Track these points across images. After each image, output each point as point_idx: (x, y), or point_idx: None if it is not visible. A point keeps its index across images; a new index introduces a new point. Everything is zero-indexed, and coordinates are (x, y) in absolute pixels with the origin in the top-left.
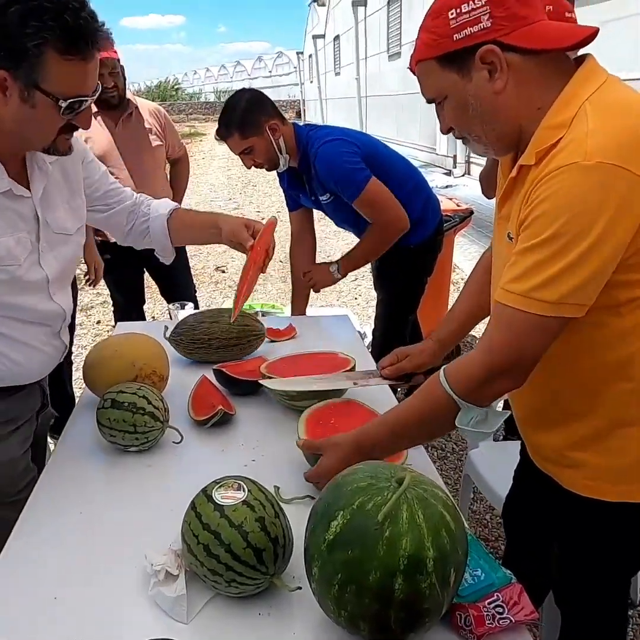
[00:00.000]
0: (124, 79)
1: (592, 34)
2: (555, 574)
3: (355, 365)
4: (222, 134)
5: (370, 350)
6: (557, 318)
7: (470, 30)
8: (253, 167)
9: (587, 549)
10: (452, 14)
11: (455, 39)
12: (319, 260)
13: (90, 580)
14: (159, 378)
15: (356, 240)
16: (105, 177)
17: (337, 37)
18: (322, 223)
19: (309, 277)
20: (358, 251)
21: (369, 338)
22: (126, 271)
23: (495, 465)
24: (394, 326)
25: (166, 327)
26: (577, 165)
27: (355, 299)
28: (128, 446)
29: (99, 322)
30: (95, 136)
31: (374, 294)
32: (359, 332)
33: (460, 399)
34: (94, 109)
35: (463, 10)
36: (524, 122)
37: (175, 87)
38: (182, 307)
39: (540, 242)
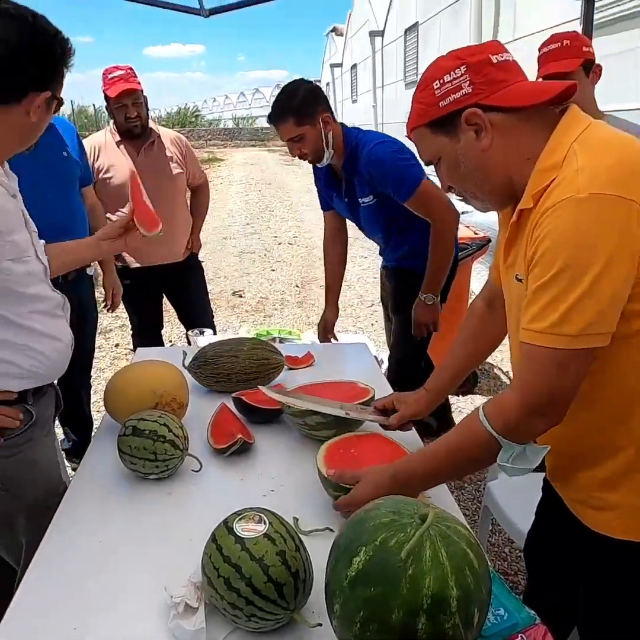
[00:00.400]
0: (147, 109)
1: (568, 88)
2: (582, 616)
3: (374, 395)
4: (276, 118)
5: (387, 376)
6: (583, 350)
7: (454, 97)
8: (297, 157)
9: (616, 591)
10: (436, 84)
11: (441, 105)
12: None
13: (109, 611)
14: (178, 405)
15: (376, 256)
16: None
17: (354, 66)
18: None
19: (419, 323)
20: (432, 265)
21: (386, 364)
22: (145, 296)
23: (516, 498)
24: (410, 352)
25: (185, 353)
26: (571, 199)
27: (372, 324)
28: (148, 474)
29: (117, 345)
30: (118, 164)
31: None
32: (376, 358)
33: (501, 436)
34: (118, 138)
35: (446, 80)
36: (514, 174)
37: (195, 113)
38: (201, 333)
39: (551, 279)
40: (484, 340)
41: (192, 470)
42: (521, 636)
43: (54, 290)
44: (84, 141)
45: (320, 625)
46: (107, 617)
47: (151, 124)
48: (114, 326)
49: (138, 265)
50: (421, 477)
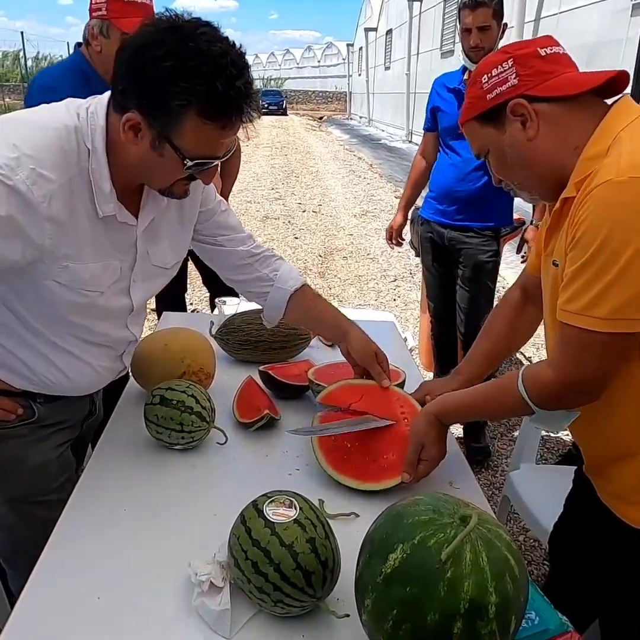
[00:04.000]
0: None
1: (616, 78)
2: (607, 608)
3: (405, 378)
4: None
5: (413, 353)
6: (613, 334)
7: (500, 89)
8: (468, 46)
9: None
10: (485, 79)
11: (488, 98)
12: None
13: (132, 583)
14: (205, 375)
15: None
16: (218, 210)
17: (389, 31)
18: (363, 219)
19: None
20: None
21: (411, 343)
22: None
23: (538, 490)
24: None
25: (212, 322)
26: (610, 182)
27: (394, 299)
28: (173, 444)
29: None
30: None
31: (413, 296)
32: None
33: (537, 406)
34: None
35: (493, 74)
36: (561, 164)
37: None
38: (229, 302)
39: (586, 261)
40: (519, 328)
41: (218, 442)
42: None
43: (128, 329)
44: None
45: (348, 616)
46: (131, 590)
47: None
48: None
49: None
50: (461, 417)
